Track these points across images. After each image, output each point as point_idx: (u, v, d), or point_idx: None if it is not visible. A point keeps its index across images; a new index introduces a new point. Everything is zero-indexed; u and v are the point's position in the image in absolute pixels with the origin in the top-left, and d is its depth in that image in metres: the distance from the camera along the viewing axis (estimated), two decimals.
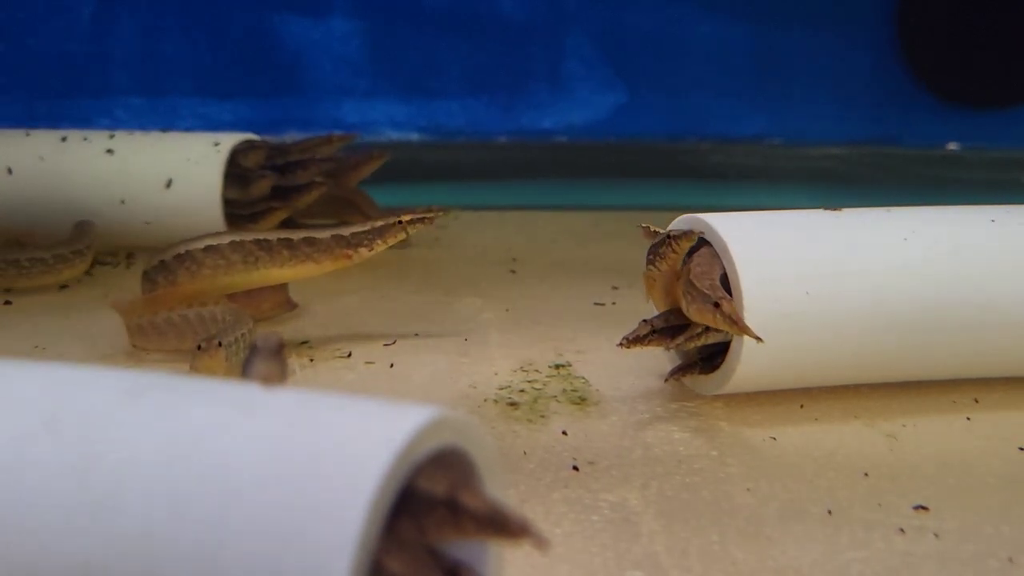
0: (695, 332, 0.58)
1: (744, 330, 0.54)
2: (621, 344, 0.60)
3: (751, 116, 1.22)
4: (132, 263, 0.93)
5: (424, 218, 0.70)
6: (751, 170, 1.22)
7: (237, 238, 0.69)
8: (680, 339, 0.59)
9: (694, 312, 0.56)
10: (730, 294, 0.56)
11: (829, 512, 0.49)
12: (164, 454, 0.31)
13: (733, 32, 1.21)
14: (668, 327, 0.60)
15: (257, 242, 0.69)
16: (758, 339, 0.54)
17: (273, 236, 0.69)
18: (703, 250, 0.59)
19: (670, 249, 0.57)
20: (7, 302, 0.81)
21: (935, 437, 0.57)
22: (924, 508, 0.49)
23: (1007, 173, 1.21)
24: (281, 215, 0.88)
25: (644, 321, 0.60)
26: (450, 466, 0.33)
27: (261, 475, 0.30)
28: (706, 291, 0.55)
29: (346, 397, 0.33)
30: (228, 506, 0.30)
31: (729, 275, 0.57)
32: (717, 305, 0.54)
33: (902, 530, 0.47)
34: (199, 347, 0.58)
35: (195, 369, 0.58)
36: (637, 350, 0.61)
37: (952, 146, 1.23)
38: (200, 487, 0.30)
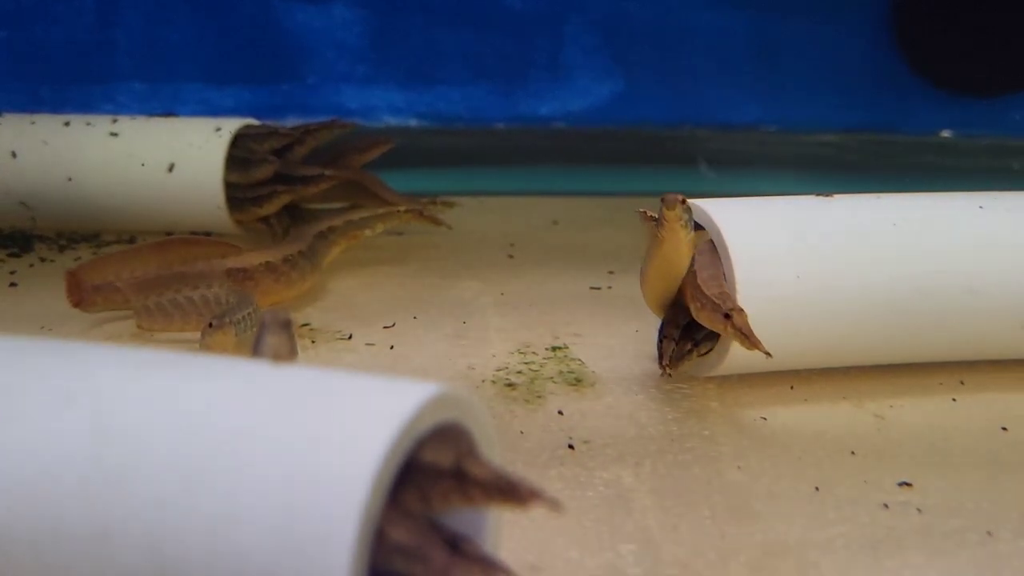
0: (685, 350, 0.60)
1: (755, 345, 0.54)
2: (668, 373, 0.60)
3: (747, 104, 1.22)
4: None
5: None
6: (747, 157, 1.23)
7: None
8: (683, 363, 0.60)
9: (704, 318, 0.57)
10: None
11: (816, 489, 0.51)
12: (176, 426, 0.32)
13: (730, 21, 1.21)
14: (682, 329, 0.61)
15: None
16: (768, 354, 0.54)
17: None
18: (702, 245, 0.60)
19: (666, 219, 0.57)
20: (13, 284, 0.83)
21: (921, 417, 0.59)
22: (908, 484, 0.51)
23: (1000, 160, 1.22)
24: (285, 199, 0.89)
25: (664, 338, 0.61)
26: (451, 441, 0.34)
27: (270, 447, 0.31)
28: (716, 300, 0.56)
29: (351, 373, 0.35)
30: (237, 477, 0.31)
31: (722, 259, 0.58)
32: (728, 316, 0.55)
33: (886, 505, 0.49)
34: (210, 325, 0.60)
35: (206, 347, 0.59)
36: (634, 337, 0.64)
37: (946, 133, 1.24)
38: (210, 459, 0.31)
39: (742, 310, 0.55)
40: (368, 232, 0.85)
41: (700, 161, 1.19)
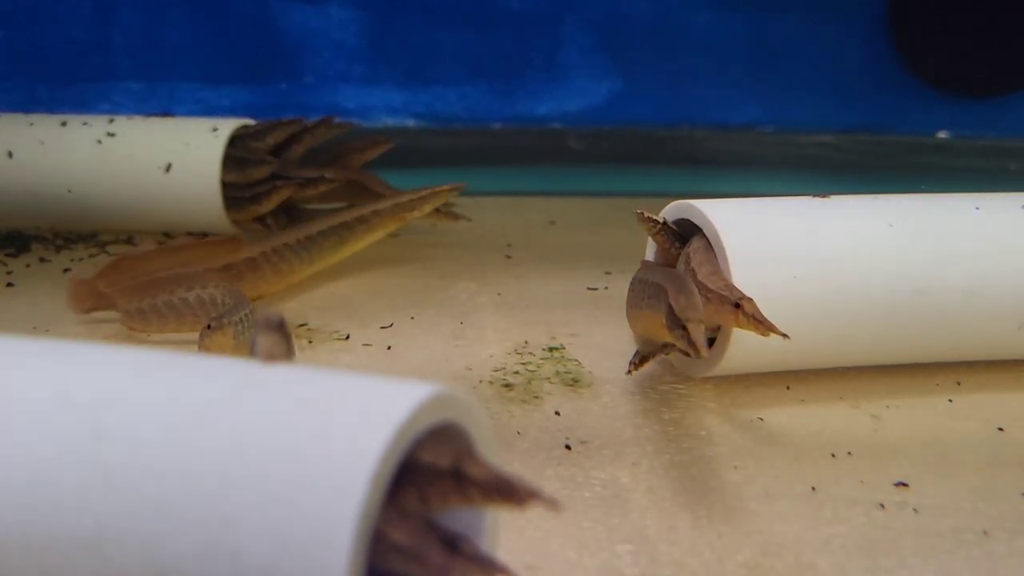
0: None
1: (771, 328, 0.53)
2: (629, 372, 0.61)
3: (744, 104, 1.23)
4: (133, 247, 0.94)
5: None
6: (744, 157, 1.23)
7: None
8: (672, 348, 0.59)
9: (711, 313, 0.56)
10: None
11: (813, 489, 0.51)
12: (174, 427, 0.32)
13: (727, 21, 1.21)
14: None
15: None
16: (784, 335, 0.53)
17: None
18: (695, 244, 0.60)
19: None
20: (10, 284, 0.83)
21: (918, 418, 0.59)
22: (905, 485, 0.51)
23: (996, 161, 1.22)
24: (285, 193, 0.89)
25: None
26: (449, 441, 0.34)
27: (268, 447, 0.31)
28: (723, 292, 0.55)
29: (350, 374, 0.35)
30: (236, 477, 0.31)
31: (719, 260, 0.58)
32: (738, 306, 0.54)
33: (882, 506, 0.49)
34: (208, 326, 0.60)
35: (205, 348, 0.59)
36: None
37: (942, 134, 1.24)
38: (209, 459, 0.31)
39: (750, 299, 0.54)
40: (416, 213, 0.84)
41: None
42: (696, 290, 0.55)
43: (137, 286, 0.70)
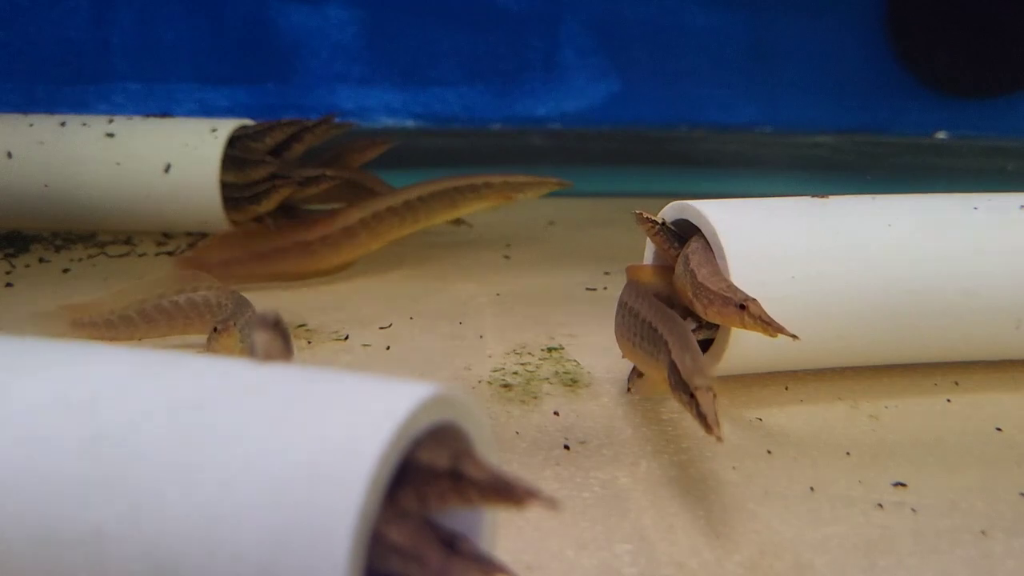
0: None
1: (779, 330, 0.52)
2: (629, 389, 0.61)
3: (742, 105, 1.23)
4: (132, 247, 0.94)
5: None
6: (742, 158, 1.23)
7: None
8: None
9: (713, 315, 0.55)
10: None
11: (811, 489, 0.51)
12: (172, 427, 0.32)
13: (725, 22, 1.22)
14: None
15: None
16: (794, 336, 0.52)
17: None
18: (694, 244, 0.60)
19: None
20: (9, 284, 0.83)
21: (916, 418, 0.59)
22: (903, 485, 0.51)
23: (994, 161, 1.22)
24: (285, 192, 0.89)
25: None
26: (447, 441, 0.34)
27: (266, 447, 0.31)
28: (726, 293, 0.54)
29: (348, 374, 0.35)
30: (234, 477, 0.31)
31: (717, 260, 0.58)
32: (743, 307, 0.53)
33: (881, 505, 0.49)
34: (215, 329, 0.60)
35: (212, 351, 0.59)
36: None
37: (940, 135, 1.24)
38: (207, 459, 0.31)
39: (755, 299, 0.53)
40: (520, 195, 0.88)
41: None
42: (699, 350, 0.52)
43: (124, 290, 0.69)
